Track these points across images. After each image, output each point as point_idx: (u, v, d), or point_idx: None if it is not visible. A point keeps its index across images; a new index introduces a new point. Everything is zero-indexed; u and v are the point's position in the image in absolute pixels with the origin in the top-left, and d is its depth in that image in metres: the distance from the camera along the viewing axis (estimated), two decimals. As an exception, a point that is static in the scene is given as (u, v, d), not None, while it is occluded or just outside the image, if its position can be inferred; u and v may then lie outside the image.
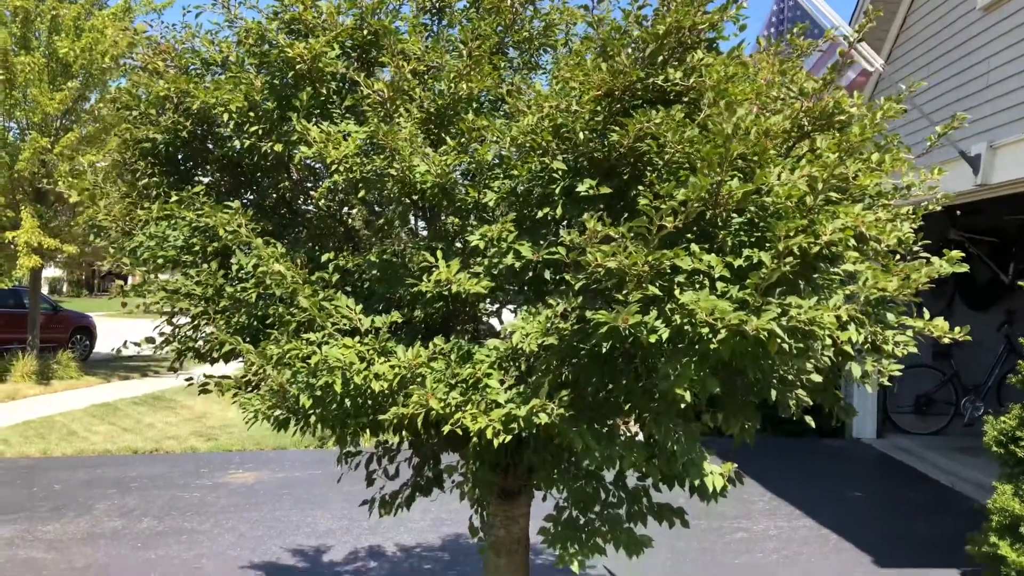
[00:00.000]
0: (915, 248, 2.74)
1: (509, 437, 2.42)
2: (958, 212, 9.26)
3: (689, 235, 2.41)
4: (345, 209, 3.83)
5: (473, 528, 3.33)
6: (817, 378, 2.80)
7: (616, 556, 7.39)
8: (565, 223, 2.90)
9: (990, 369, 10.48)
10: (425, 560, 6.78)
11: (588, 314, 2.29)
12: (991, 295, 11.06)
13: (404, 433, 3.49)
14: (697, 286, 2.28)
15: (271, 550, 7.08)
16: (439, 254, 2.75)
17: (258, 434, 12.24)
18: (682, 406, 2.37)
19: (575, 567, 2.72)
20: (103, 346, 22.62)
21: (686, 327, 2.15)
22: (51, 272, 38.05)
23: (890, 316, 2.74)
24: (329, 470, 10.24)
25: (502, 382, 2.56)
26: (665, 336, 2.19)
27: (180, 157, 3.73)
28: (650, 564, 6.56)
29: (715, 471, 2.47)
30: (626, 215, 2.61)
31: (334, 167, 2.88)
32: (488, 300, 3.22)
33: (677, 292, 2.24)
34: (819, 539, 7.08)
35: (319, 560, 6.82)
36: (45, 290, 25.94)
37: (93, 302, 40.12)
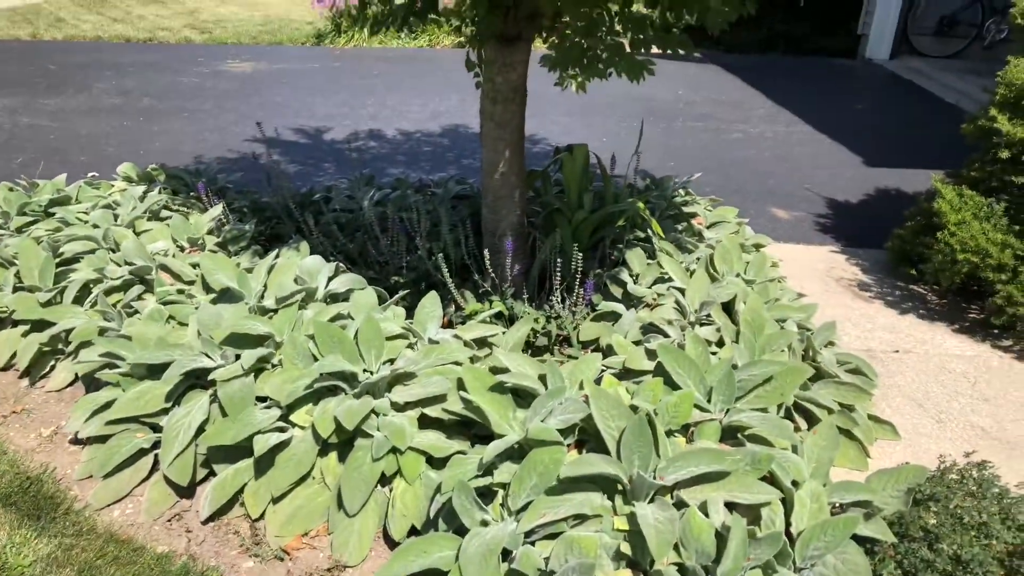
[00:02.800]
0: None
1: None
2: None
3: None
4: None
5: (469, 62, 3.23)
6: None
7: (611, 128, 7.36)
8: None
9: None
10: (424, 144, 6.88)
11: None
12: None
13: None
14: None
15: (272, 129, 7.15)
16: None
17: (254, 29, 11.85)
18: None
19: (574, 87, 2.67)
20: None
21: None
22: None
23: None
24: (327, 64, 10.13)
25: None
26: None
27: None
28: (647, 154, 6.69)
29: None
30: None
31: None
32: None
33: None
34: (814, 142, 7.15)
35: (321, 138, 6.91)
36: None
37: None
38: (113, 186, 4.52)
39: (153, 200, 4.05)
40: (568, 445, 2.47)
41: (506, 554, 2.19)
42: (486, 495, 2.38)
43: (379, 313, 3.06)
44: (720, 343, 3.08)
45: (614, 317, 3.41)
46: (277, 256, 3.42)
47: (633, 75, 2.76)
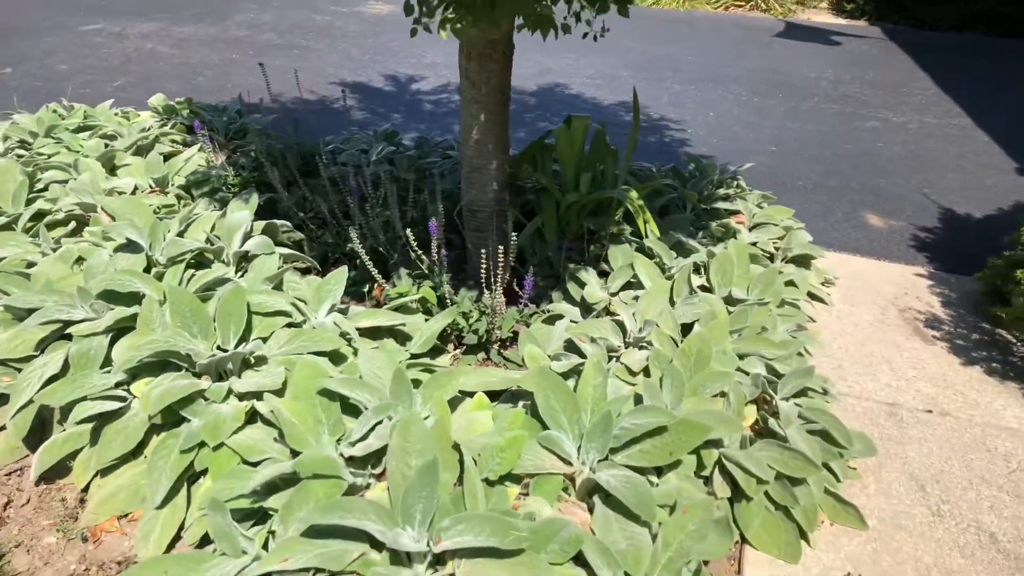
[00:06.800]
0: None
1: None
2: None
3: None
4: None
5: (408, 5, 2.78)
6: None
7: (726, 104, 6.50)
8: None
9: None
10: (513, 102, 6.43)
11: None
12: None
13: None
14: None
15: (367, 73, 6.96)
16: None
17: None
18: None
19: (443, 34, 2.16)
20: None
21: None
22: None
23: None
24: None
25: None
26: None
27: None
28: (750, 138, 5.90)
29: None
30: None
31: None
32: None
33: None
34: (966, 139, 6.02)
35: (407, 88, 6.64)
36: None
37: None
38: (140, 116, 4.47)
39: (141, 135, 3.93)
40: (379, 475, 2.06)
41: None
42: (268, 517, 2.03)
43: (266, 284, 2.74)
44: (647, 373, 2.51)
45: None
46: (222, 208, 3.18)
47: (538, 26, 2.19)
